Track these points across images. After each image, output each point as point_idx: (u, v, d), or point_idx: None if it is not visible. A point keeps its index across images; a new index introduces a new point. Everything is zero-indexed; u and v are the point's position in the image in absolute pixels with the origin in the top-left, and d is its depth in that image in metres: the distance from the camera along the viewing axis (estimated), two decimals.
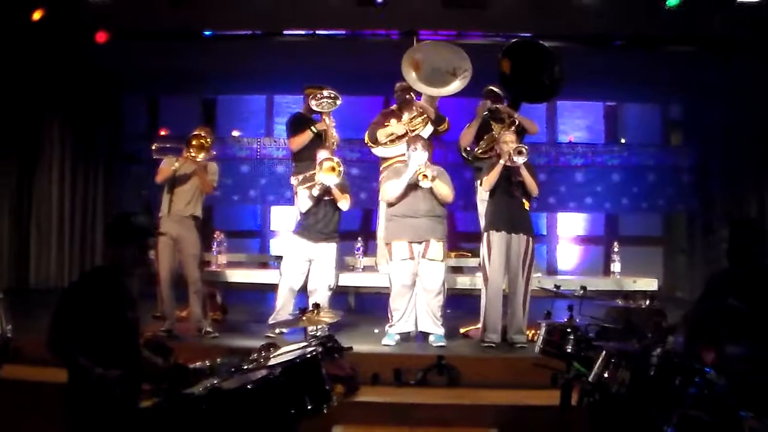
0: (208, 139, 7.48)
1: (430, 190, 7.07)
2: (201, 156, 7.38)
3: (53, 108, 10.48)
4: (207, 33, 9.60)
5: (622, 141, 12.12)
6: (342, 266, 8.84)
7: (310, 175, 7.51)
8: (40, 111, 10.41)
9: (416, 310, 7.24)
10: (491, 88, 8.01)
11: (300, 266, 7.50)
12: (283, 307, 7.41)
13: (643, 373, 3.80)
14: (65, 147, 10.58)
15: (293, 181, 7.97)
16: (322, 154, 7.46)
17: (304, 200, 7.48)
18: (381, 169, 8.20)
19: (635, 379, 3.83)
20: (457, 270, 8.30)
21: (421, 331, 7.26)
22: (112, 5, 8.61)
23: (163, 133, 11.24)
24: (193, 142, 7.38)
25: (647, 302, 5.02)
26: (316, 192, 7.35)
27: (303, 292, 7.58)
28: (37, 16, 8.57)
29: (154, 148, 7.88)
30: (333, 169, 7.26)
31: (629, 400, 3.85)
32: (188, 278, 7.41)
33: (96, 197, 10.95)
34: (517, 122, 7.72)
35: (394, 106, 8.40)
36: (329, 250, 7.49)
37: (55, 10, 8.64)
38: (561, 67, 7.67)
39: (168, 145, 7.80)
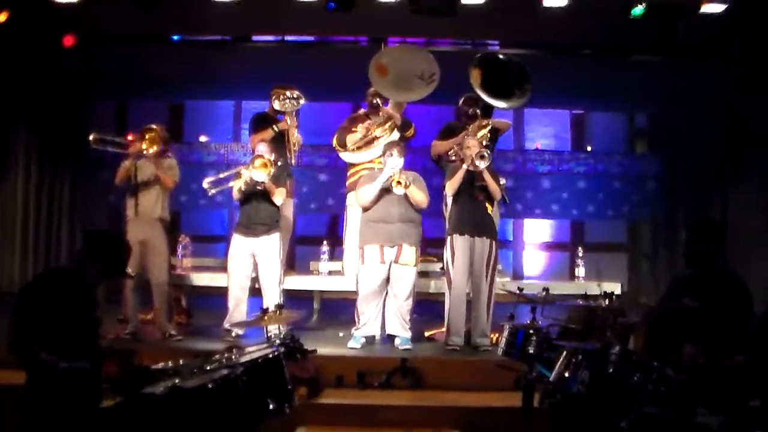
0: (161, 135, 7.43)
1: (405, 195, 7.08)
2: (153, 149, 7.32)
3: (19, 111, 10.37)
4: (175, 37, 9.55)
5: (588, 149, 12.24)
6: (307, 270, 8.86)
7: (236, 171, 7.48)
8: (5, 114, 10.30)
9: (384, 314, 7.27)
10: (470, 95, 7.92)
11: (244, 262, 7.39)
12: (236, 308, 7.33)
13: (602, 371, 3.84)
14: (31, 150, 10.45)
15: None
16: (259, 148, 7.40)
17: (235, 195, 7.43)
18: (348, 174, 8.19)
19: (594, 378, 3.86)
20: (423, 274, 8.29)
21: (388, 334, 7.29)
22: (80, 8, 8.49)
23: (130, 137, 11.16)
24: (147, 136, 7.35)
25: (606, 301, 5.07)
26: (243, 186, 7.31)
27: (258, 295, 7.49)
28: (1, 18, 8.45)
29: (92, 138, 7.60)
30: (265, 165, 7.18)
31: (589, 399, 3.88)
32: (154, 281, 7.37)
33: (62, 201, 10.83)
34: (489, 126, 7.68)
35: (362, 111, 8.37)
36: (271, 242, 7.40)
37: (21, 13, 8.53)
38: (529, 78, 7.73)
39: (108, 138, 7.66)
